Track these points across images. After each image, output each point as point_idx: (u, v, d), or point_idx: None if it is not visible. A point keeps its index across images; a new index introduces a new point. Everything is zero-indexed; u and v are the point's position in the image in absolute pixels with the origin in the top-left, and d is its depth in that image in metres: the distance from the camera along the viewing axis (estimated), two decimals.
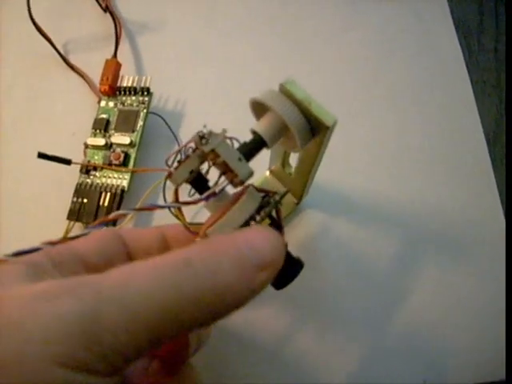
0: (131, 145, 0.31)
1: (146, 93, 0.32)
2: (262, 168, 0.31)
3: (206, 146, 0.17)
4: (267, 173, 0.31)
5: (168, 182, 0.18)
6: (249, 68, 0.37)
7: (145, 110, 0.32)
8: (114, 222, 0.29)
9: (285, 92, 0.19)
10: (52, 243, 0.16)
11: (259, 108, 0.20)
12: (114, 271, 0.14)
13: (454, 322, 0.29)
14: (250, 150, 0.19)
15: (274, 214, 0.20)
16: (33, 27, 0.34)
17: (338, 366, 0.28)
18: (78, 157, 0.31)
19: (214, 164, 0.18)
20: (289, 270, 0.19)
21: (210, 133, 0.18)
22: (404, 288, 0.30)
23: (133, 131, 0.31)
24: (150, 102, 0.32)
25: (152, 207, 0.26)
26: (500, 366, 0.27)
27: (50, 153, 0.29)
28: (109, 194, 0.30)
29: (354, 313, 0.29)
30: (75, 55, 0.37)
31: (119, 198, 0.30)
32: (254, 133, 0.20)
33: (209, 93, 0.35)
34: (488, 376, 0.28)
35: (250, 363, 0.28)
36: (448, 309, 0.29)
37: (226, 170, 0.18)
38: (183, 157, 0.18)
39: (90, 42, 0.38)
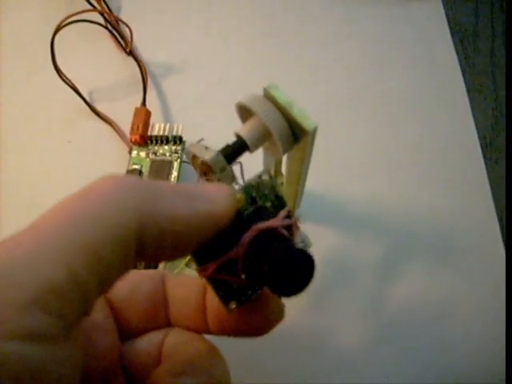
0: None
1: (178, 141, 0.32)
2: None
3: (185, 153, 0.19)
4: None
5: None
6: None
7: (178, 160, 0.32)
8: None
9: (268, 96, 0.20)
10: None
11: (245, 112, 0.21)
12: None
13: (448, 327, 0.30)
14: (232, 151, 0.20)
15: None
16: (57, 77, 0.34)
17: (333, 372, 0.28)
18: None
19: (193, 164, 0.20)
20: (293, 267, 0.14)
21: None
22: (399, 295, 0.31)
23: None
24: (183, 151, 0.32)
25: None
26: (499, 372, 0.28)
27: None
28: None
29: (350, 322, 0.30)
30: (101, 102, 0.37)
31: None
32: (238, 136, 0.20)
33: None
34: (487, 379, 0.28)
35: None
36: (442, 314, 0.30)
37: (197, 163, 0.19)
38: None
39: (115, 88, 0.38)
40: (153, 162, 0.33)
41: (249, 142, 0.20)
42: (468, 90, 0.39)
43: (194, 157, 0.19)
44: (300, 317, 0.30)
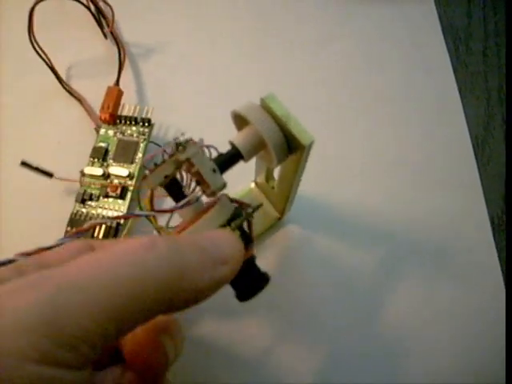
0: (129, 177, 0.30)
1: (146, 124, 0.32)
2: (247, 178, 0.31)
3: (182, 155, 0.18)
4: (252, 184, 0.31)
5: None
6: (251, 94, 0.36)
7: (145, 142, 0.32)
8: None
9: (265, 107, 0.20)
10: (26, 254, 0.15)
11: (240, 120, 0.20)
12: (75, 260, 0.14)
13: (441, 330, 0.29)
14: (226, 161, 0.20)
15: (246, 227, 0.20)
16: (33, 52, 0.33)
17: (322, 376, 0.28)
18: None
19: (188, 172, 0.19)
20: (254, 283, 0.19)
21: (187, 141, 0.18)
22: (395, 297, 0.30)
23: (131, 162, 0.31)
24: (150, 133, 0.32)
25: (128, 216, 0.26)
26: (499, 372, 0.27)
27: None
28: (104, 226, 0.29)
29: (340, 325, 0.29)
30: (77, 80, 0.36)
31: (114, 230, 0.29)
32: (232, 144, 0.20)
33: (211, 121, 0.34)
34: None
35: (233, 374, 0.28)
36: (434, 318, 0.30)
37: (199, 178, 0.19)
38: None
39: (92, 67, 0.37)
40: (119, 141, 0.32)
41: (243, 152, 0.20)
42: (460, 90, 0.39)
43: (198, 172, 0.19)
44: (290, 320, 0.29)
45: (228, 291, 0.19)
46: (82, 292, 0.13)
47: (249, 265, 0.19)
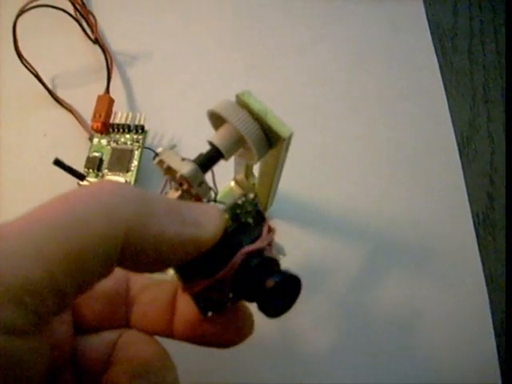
0: None
1: (140, 131, 0.32)
2: (227, 177, 0.31)
3: (156, 159, 0.19)
4: (232, 183, 0.31)
5: None
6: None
7: (140, 149, 0.31)
8: None
9: (241, 103, 0.19)
10: None
11: (217, 119, 0.20)
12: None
13: (425, 330, 0.30)
14: (206, 160, 0.19)
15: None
16: (19, 61, 0.33)
17: (305, 375, 0.28)
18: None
19: (172, 180, 0.19)
20: (283, 291, 0.16)
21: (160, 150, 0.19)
22: (375, 296, 0.30)
23: (127, 171, 0.31)
24: (144, 140, 0.32)
25: None
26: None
27: None
28: None
29: (322, 322, 0.29)
30: (64, 89, 0.36)
31: None
32: (211, 144, 0.20)
33: (203, 124, 0.32)
34: None
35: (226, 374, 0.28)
36: (417, 317, 0.30)
37: (172, 173, 0.19)
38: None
39: (79, 76, 0.37)
40: (114, 150, 0.32)
41: (223, 150, 0.19)
42: (446, 88, 0.39)
43: (168, 166, 0.19)
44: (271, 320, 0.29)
45: None
46: (28, 238, 0.12)
47: (272, 267, 0.16)
